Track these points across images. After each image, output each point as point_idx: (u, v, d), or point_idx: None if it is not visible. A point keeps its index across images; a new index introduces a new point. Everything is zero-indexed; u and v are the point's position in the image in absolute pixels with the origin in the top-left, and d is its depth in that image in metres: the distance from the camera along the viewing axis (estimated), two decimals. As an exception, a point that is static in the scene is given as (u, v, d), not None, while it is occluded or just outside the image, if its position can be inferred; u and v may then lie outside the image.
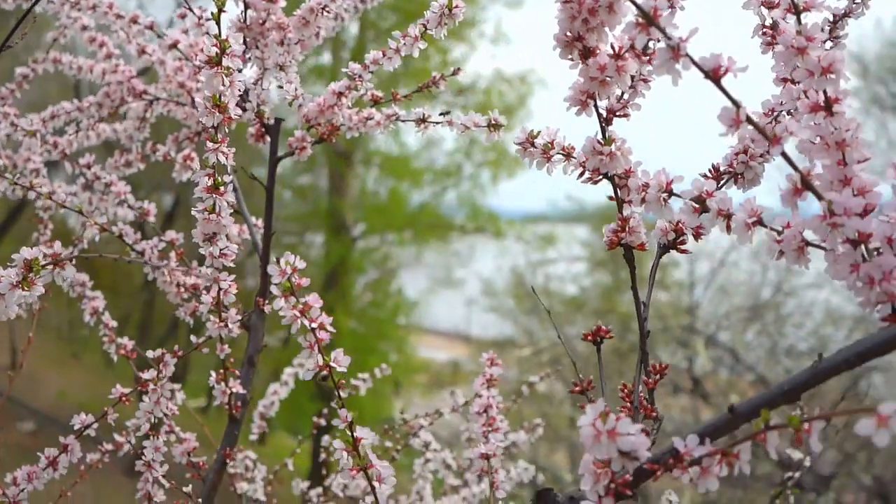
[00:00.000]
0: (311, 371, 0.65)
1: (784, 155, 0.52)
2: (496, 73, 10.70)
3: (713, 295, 7.62)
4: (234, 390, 0.98)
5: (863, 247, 0.54)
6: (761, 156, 0.69)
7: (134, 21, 1.12)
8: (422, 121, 0.96)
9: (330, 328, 0.64)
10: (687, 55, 0.51)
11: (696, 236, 0.69)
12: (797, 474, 1.10)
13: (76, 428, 0.93)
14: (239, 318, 0.93)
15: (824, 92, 0.55)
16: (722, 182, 0.70)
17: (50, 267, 0.67)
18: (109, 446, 1.14)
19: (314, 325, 0.63)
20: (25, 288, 0.69)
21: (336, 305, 10.90)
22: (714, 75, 0.52)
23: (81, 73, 1.28)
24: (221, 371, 0.98)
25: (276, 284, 0.62)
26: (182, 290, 1.04)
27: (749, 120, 0.51)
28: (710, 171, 0.70)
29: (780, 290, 7.31)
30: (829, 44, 0.73)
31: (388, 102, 1.00)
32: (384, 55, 0.93)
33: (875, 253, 0.53)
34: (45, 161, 1.33)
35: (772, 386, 0.51)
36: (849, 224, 0.51)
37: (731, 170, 0.70)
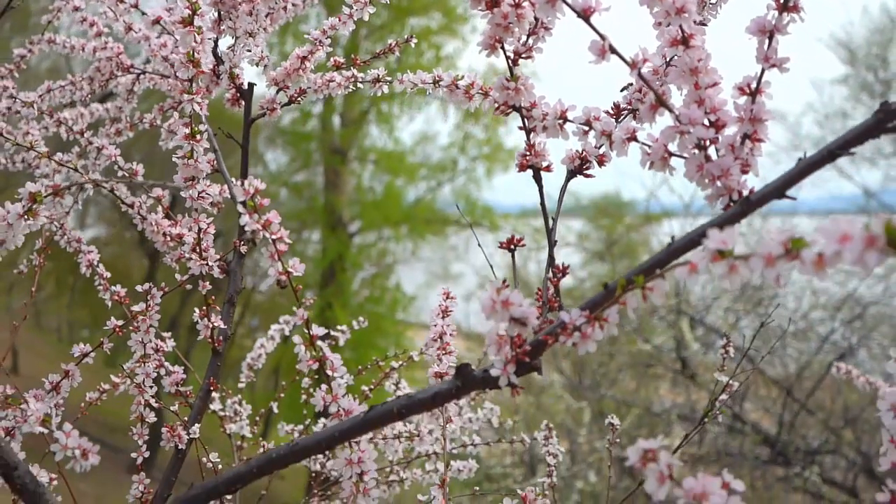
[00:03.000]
0: (273, 277, 0.77)
1: (641, 77, 0.65)
2: (489, 67, 10.81)
3: (703, 279, 7.76)
4: (216, 325, 1.11)
5: (713, 152, 0.66)
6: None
7: (120, 0, 1.24)
8: (377, 80, 1.09)
9: (287, 240, 0.76)
10: (561, -2, 0.63)
11: (600, 163, 0.81)
12: (723, 396, 1.22)
13: (76, 356, 1.05)
14: (218, 257, 1.05)
15: (681, 28, 0.67)
16: (622, 116, 0.82)
17: (51, 197, 0.80)
18: (107, 386, 1.26)
19: (275, 237, 0.75)
20: (30, 217, 0.81)
21: (334, 301, 11.02)
22: (585, 14, 0.64)
23: (74, 52, 1.40)
24: (204, 308, 1.10)
25: (241, 203, 0.74)
26: (168, 238, 1.16)
27: (612, 49, 0.64)
28: (611, 107, 0.83)
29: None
30: (713, -2, 0.85)
31: (348, 66, 1.12)
32: (340, 20, 1.06)
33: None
34: (43, 136, 1.45)
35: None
36: (693, 132, 0.64)
37: (629, 106, 0.82)
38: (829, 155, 0.59)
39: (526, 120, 0.77)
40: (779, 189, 0.60)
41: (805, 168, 0.60)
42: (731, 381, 1.22)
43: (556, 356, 7.76)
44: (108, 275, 1.25)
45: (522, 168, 0.77)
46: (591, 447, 5.66)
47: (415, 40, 1.14)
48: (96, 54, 1.36)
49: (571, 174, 0.81)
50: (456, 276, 12.25)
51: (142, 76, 1.35)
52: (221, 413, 1.44)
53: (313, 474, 1.50)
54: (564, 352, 7.66)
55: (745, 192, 0.64)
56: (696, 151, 0.65)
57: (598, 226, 11.14)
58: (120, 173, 1.24)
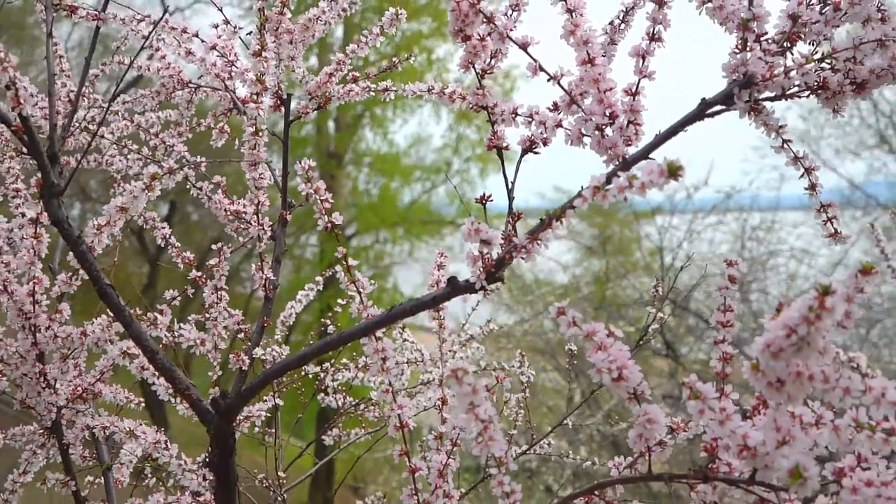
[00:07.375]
0: (321, 225, 1.13)
1: (560, 85, 1.01)
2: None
3: (688, 267, 8.15)
4: (268, 276, 1.47)
5: (610, 132, 1.03)
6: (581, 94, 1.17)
7: (184, 31, 1.61)
8: (385, 90, 1.45)
9: (330, 200, 1.13)
10: (508, 36, 1.00)
11: (544, 143, 1.18)
12: (654, 326, 1.58)
13: (168, 298, 1.41)
14: (271, 223, 1.42)
15: (587, 52, 1.03)
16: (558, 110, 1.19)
17: (167, 175, 1.16)
18: (183, 325, 1.62)
19: (322, 197, 1.12)
20: (149, 191, 1.17)
21: (333, 304, 11.37)
22: (524, 46, 1.01)
23: (140, 71, 1.76)
24: (259, 263, 1.46)
25: (298, 175, 1.11)
26: (227, 213, 1.52)
27: (541, 68, 1.00)
28: (552, 103, 1.19)
29: (753, 261, 7.83)
30: (622, 25, 1.21)
31: (363, 78, 1.49)
32: (358, 46, 1.43)
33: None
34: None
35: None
36: (595, 119, 1.00)
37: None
38: (671, 132, 0.95)
39: (490, 115, 1.13)
40: (644, 154, 0.97)
41: (659, 139, 0.96)
42: (661, 315, 1.58)
43: (555, 355, 8.14)
44: (179, 245, 1.61)
45: (490, 147, 1.14)
46: (582, 425, 6.05)
47: (416, 52, 1.51)
48: (160, 72, 1.72)
49: (524, 152, 1.18)
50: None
51: (198, 89, 1.71)
52: (263, 357, 1.80)
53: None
54: (556, 340, 8.03)
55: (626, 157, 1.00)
56: (597, 132, 1.01)
57: (592, 223, 11.51)
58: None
